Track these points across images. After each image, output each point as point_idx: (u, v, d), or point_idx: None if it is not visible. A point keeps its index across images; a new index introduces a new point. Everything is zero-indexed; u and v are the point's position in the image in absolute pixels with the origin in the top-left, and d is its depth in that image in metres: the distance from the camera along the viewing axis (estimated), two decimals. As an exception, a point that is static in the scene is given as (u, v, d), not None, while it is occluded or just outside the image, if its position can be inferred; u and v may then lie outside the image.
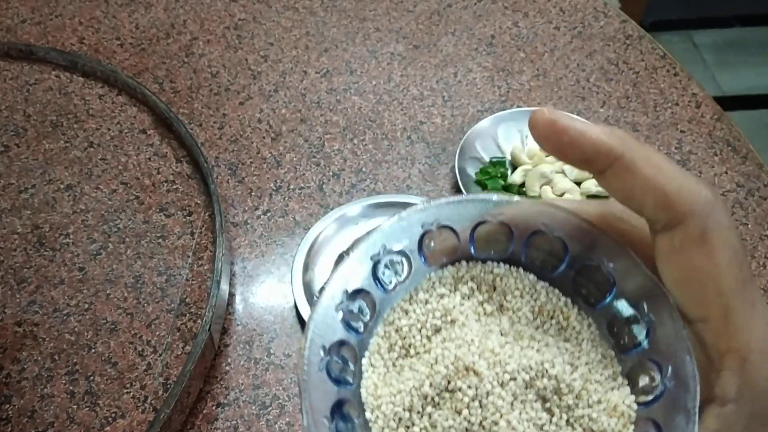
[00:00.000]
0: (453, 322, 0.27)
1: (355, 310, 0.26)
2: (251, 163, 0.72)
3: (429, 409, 0.27)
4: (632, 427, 0.26)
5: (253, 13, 0.88)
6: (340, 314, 0.26)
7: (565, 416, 0.27)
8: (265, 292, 0.63)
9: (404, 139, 0.75)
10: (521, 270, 0.27)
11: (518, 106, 0.78)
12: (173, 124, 0.72)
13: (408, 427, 0.27)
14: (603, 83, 0.81)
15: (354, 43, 0.85)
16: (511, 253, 0.27)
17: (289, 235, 0.66)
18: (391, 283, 0.27)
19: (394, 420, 0.27)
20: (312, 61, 0.83)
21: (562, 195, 0.68)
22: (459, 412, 0.26)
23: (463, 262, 0.27)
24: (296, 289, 0.60)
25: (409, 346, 0.27)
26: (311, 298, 0.61)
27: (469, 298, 0.27)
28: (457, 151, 0.70)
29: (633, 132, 0.76)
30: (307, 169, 0.72)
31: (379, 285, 0.26)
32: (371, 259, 0.26)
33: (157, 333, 0.58)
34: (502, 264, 0.27)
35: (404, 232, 0.27)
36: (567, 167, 0.69)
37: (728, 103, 1.89)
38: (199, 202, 0.67)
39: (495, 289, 0.27)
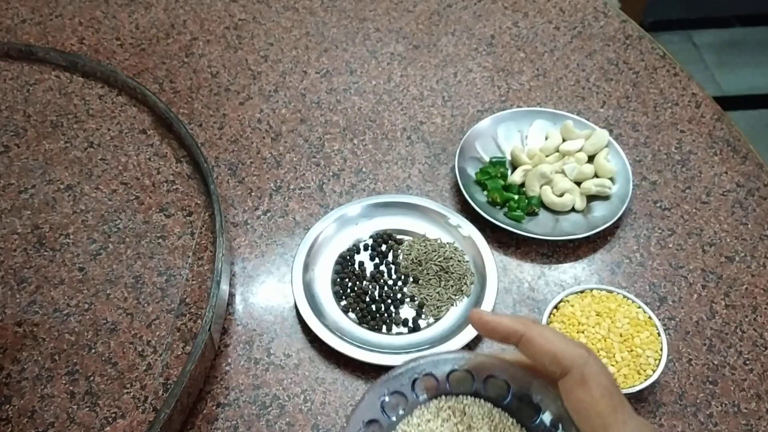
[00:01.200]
0: None
1: None
2: (251, 163, 0.72)
3: None
4: None
5: (253, 13, 0.88)
6: None
7: None
8: (265, 292, 0.63)
9: (404, 139, 0.75)
10: (482, 401, 0.37)
11: (518, 106, 0.78)
12: (173, 125, 0.72)
13: None
14: (603, 83, 0.81)
15: (354, 44, 0.85)
16: (474, 389, 0.37)
17: (289, 235, 0.66)
18: (394, 414, 0.37)
19: None
20: (312, 61, 0.83)
21: (562, 195, 0.68)
22: None
23: (443, 396, 0.37)
24: (296, 289, 0.60)
25: None
26: (311, 298, 0.61)
27: (447, 421, 0.37)
28: (457, 151, 0.70)
29: (633, 132, 0.76)
30: (307, 169, 0.72)
31: (386, 415, 0.37)
32: (379, 398, 0.37)
33: (157, 333, 0.58)
34: (469, 396, 0.37)
35: (401, 380, 0.37)
36: (567, 167, 0.69)
37: (728, 103, 1.89)
38: (199, 202, 0.67)
39: (465, 414, 0.37)
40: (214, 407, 0.56)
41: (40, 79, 0.78)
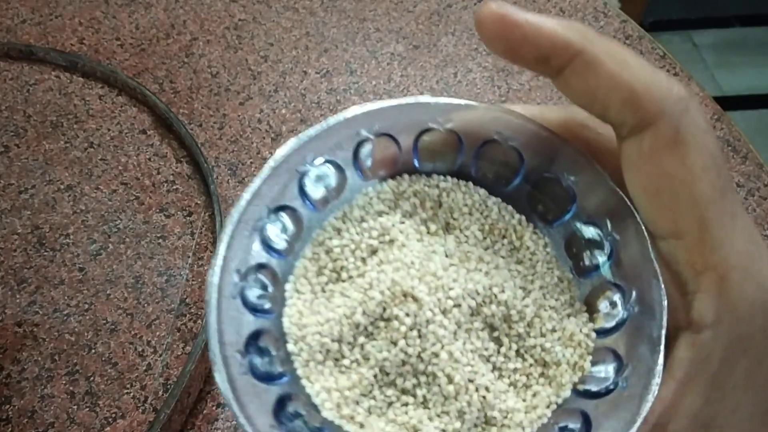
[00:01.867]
0: (392, 242, 0.23)
1: (279, 229, 0.23)
2: (251, 163, 0.72)
3: (361, 339, 0.24)
4: (590, 357, 0.23)
5: (253, 13, 0.88)
6: (260, 233, 0.22)
7: (515, 346, 0.25)
8: (265, 293, 0.63)
9: (404, 139, 0.75)
10: (470, 184, 0.24)
11: (518, 106, 0.78)
12: (173, 125, 0.72)
13: (337, 360, 0.24)
14: (603, 83, 0.81)
15: (354, 44, 0.85)
16: (459, 166, 0.24)
17: (289, 236, 0.66)
18: (321, 198, 0.23)
19: (321, 352, 0.24)
20: (312, 62, 0.83)
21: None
22: (395, 343, 0.23)
23: (405, 176, 0.24)
24: (296, 290, 0.60)
25: (341, 269, 0.24)
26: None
27: (410, 215, 0.24)
28: (457, 152, 0.70)
29: (633, 132, 0.76)
30: (307, 170, 0.72)
31: (306, 201, 0.23)
32: (297, 170, 0.22)
33: (158, 333, 0.58)
34: (449, 177, 0.24)
35: (337, 140, 0.23)
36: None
37: (728, 103, 1.89)
38: (199, 202, 0.67)
39: (441, 205, 0.24)
40: (214, 407, 0.56)
41: (40, 80, 0.78)
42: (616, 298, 0.23)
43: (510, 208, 0.24)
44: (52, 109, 0.75)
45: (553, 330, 0.24)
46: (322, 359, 0.24)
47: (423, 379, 0.24)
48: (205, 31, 0.86)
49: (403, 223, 0.24)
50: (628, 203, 0.22)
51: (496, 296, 0.24)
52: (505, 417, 0.24)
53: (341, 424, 0.23)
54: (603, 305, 0.23)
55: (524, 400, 0.25)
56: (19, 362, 0.56)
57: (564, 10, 0.90)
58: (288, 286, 0.24)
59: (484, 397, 0.24)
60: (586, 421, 0.23)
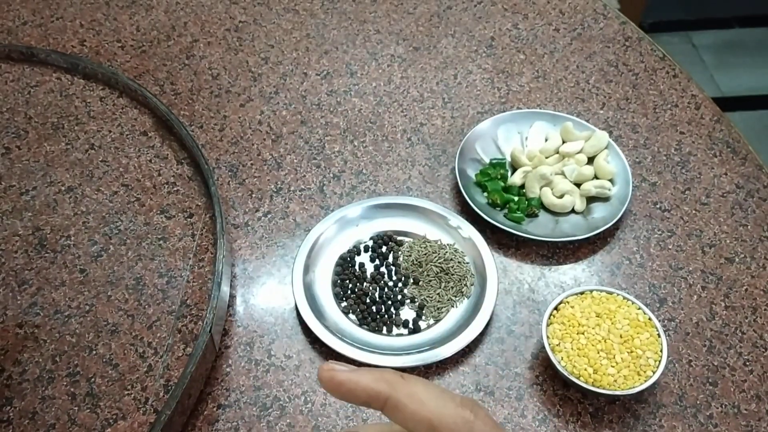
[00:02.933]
0: None
1: None
2: (252, 164, 0.72)
3: None
4: None
5: (253, 15, 0.88)
6: None
7: None
8: (266, 294, 0.63)
9: (404, 140, 0.75)
10: None
11: (518, 108, 0.78)
12: (174, 126, 0.72)
13: None
14: (603, 85, 0.81)
15: (354, 45, 0.85)
16: None
17: (289, 237, 0.67)
18: None
19: None
20: (312, 63, 0.83)
21: (562, 196, 0.68)
22: None
23: None
24: (297, 291, 0.61)
25: None
26: (312, 299, 0.61)
27: None
28: (457, 153, 0.70)
29: (632, 133, 0.76)
30: (307, 171, 0.72)
31: None
32: None
33: (158, 335, 0.58)
34: None
35: None
36: (567, 169, 0.69)
37: (727, 104, 1.89)
38: (199, 203, 0.67)
39: None
40: (214, 408, 0.56)
41: (41, 81, 0.78)
42: None
43: None
44: (53, 110, 0.75)
45: None
46: None
47: None
48: (205, 33, 0.86)
49: None
50: None
51: None
52: None
53: None
54: None
55: None
56: (20, 363, 0.56)
57: (564, 12, 0.90)
58: None
59: None
60: None
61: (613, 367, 0.55)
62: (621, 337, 0.57)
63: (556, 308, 0.59)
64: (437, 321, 0.61)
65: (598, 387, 0.55)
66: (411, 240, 0.66)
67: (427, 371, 0.58)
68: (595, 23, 0.89)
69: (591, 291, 0.60)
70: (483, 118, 0.76)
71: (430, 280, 0.63)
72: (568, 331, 0.58)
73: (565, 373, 0.55)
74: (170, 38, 0.85)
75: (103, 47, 0.83)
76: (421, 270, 0.63)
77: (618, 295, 0.60)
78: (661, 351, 0.56)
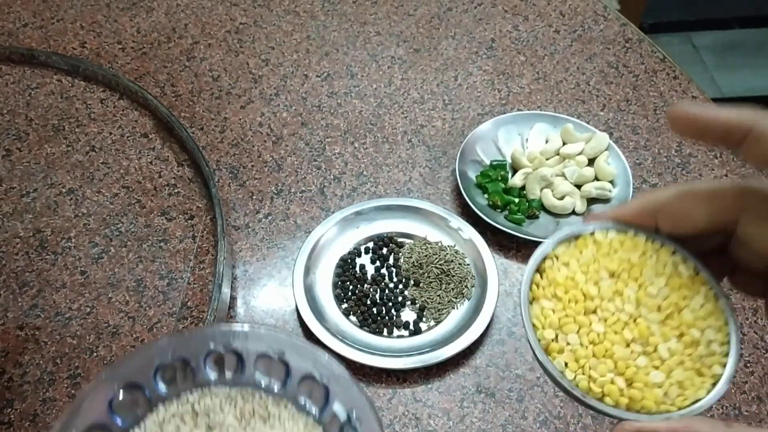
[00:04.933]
0: None
1: None
2: (252, 166, 0.72)
3: None
4: None
5: (254, 17, 0.88)
6: None
7: None
8: (267, 296, 0.63)
9: (405, 142, 0.75)
10: (229, 388, 0.30)
11: (518, 110, 0.78)
12: (174, 128, 0.72)
13: None
14: (603, 86, 0.82)
15: (355, 47, 0.85)
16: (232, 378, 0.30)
17: (290, 239, 0.67)
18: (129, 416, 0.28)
19: None
20: (313, 65, 0.83)
21: (562, 198, 0.68)
22: None
23: (188, 392, 0.30)
24: (297, 293, 0.61)
25: None
26: (312, 301, 0.61)
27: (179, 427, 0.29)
28: (458, 155, 0.70)
29: (633, 135, 0.76)
30: (308, 173, 0.72)
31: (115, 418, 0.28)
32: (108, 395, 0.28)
33: (159, 336, 0.58)
34: (210, 388, 0.30)
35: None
36: (567, 170, 0.69)
37: (728, 104, 1.89)
38: (200, 205, 0.67)
39: (197, 414, 0.30)
40: (215, 410, 0.56)
41: (42, 83, 0.78)
42: None
43: (276, 400, 0.30)
44: (54, 112, 0.75)
45: None
46: None
47: None
48: (206, 34, 0.86)
49: None
50: (368, 399, 0.29)
51: None
52: None
53: None
54: None
55: None
56: (20, 365, 0.56)
57: (564, 14, 0.90)
58: None
59: None
60: None
61: (656, 368, 0.31)
62: (659, 309, 0.32)
63: (538, 270, 0.35)
64: (438, 323, 0.61)
65: (641, 410, 0.30)
66: (412, 242, 0.66)
67: (427, 373, 0.58)
68: (595, 25, 0.89)
69: (592, 233, 0.34)
70: (483, 119, 0.76)
71: (431, 282, 0.63)
72: (569, 312, 0.33)
73: (578, 395, 0.31)
74: (171, 40, 0.85)
75: (103, 49, 0.83)
76: (421, 272, 0.63)
77: (637, 233, 0.34)
78: (727, 325, 0.32)
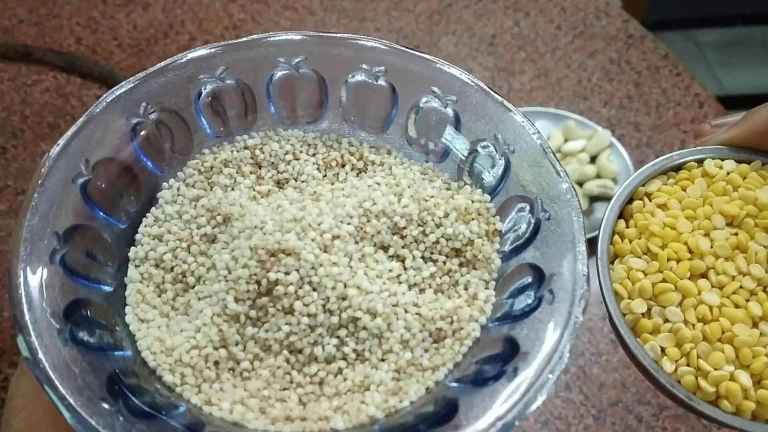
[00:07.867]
0: (228, 219, 0.22)
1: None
2: (250, 164, 0.72)
3: (249, 330, 0.21)
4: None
5: (251, 13, 0.88)
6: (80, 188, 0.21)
7: (417, 253, 0.23)
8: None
9: (404, 139, 0.74)
10: (279, 131, 0.24)
11: (519, 107, 0.77)
12: (171, 126, 0.72)
13: (233, 369, 0.21)
14: (605, 83, 0.81)
15: (353, 43, 0.84)
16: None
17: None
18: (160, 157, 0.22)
19: (209, 367, 0.21)
20: (311, 62, 0.82)
21: (563, 196, 0.67)
22: (290, 311, 0.20)
23: (205, 150, 0.24)
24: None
25: (183, 274, 0.22)
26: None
27: (235, 186, 0.23)
28: (458, 152, 0.69)
29: (635, 132, 0.76)
30: (306, 171, 0.71)
31: (144, 159, 0.22)
32: (129, 121, 0.22)
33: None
34: (255, 134, 0.24)
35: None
36: (569, 168, 0.68)
37: (731, 102, 1.88)
38: (197, 204, 0.67)
39: (260, 166, 0.24)
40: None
41: (38, 80, 0.77)
42: (525, 207, 0.24)
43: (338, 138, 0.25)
44: (50, 110, 0.75)
45: (446, 214, 0.23)
46: (214, 375, 0.21)
47: (344, 332, 0.21)
48: (203, 31, 0.85)
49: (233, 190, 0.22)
50: (525, 124, 0.23)
51: (370, 211, 0.22)
52: (452, 322, 0.22)
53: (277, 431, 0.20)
54: (513, 217, 0.24)
55: (460, 296, 0.23)
56: (16, 365, 0.55)
57: (565, 9, 0.89)
58: (129, 319, 0.22)
59: (418, 314, 0.21)
60: (512, 344, 0.23)
61: None
62: None
63: (623, 216, 0.27)
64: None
65: None
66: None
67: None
68: (597, 21, 0.88)
69: (699, 162, 0.28)
70: (484, 116, 0.76)
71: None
72: (667, 275, 0.24)
73: (680, 395, 0.23)
74: (167, 36, 0.84)
75: (99, 46, 0.82)
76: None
77: (766, 164, 0.26)
78: None
